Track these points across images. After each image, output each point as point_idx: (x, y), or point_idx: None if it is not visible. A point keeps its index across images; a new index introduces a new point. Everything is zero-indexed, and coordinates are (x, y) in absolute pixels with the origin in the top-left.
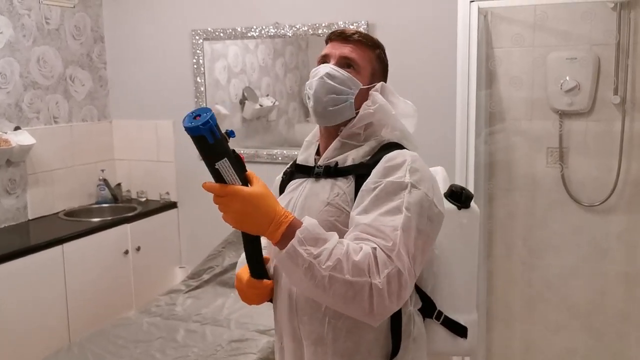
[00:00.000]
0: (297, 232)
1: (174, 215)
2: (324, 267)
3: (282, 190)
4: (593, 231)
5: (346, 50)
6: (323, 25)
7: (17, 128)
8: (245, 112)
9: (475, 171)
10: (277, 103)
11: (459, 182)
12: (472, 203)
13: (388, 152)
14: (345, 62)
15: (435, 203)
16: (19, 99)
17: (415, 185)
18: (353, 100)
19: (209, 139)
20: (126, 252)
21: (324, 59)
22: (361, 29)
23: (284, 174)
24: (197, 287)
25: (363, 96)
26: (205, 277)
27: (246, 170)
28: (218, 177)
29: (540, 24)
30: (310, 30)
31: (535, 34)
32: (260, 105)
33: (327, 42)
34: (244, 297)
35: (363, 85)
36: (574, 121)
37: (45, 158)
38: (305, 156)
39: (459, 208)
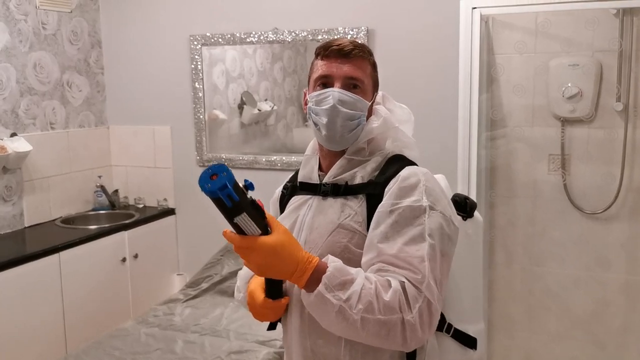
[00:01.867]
0: (324, 278)
1: (171, 222)
2: (355, 310)
3: (282, 204)
4: (595, 239)
5: (348, 69)
6: (323, 30)
7: (13, 134)
8: (244, 116)
9: (477, 178)
10: (275, 107)
11: (461, 189)
12: (475, 212)
13: (395, 167)
14: (351, 83)
15: (452, 220)
16: (15, 105)
17: (433, 207)
18: (365, 121)
19: (226, 203)
20: (124, 260)
21: (326, 81)
22: (361, 35)
23: (284, 188)
24: (195, 297)
25: (368, 111)
26: (204, 285)
27: (265, 218)
28: (237, 229)
29: (542, 30)
30: (309, 36)
31: (537, 40)
32: (259, 110)
33: (319, 57)
34: (256, 315)
35: (369, 102)
36: (576, 128)
37: (42, 164)
38: (307, 171)
39: (464, 218)
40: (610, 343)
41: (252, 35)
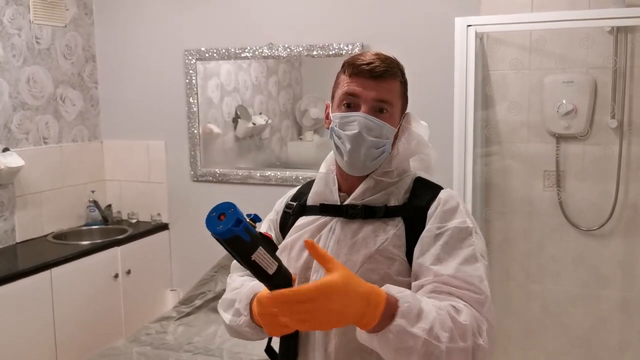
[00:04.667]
0: (403, 310)
1: (165, 237)
2: (443, 340)
3: (283, 225)
4: (591, 256)
5: (377, 91)
6: (318, 46)
7: (5, 149)
8: (238, 130)
9: (472, 195)
10: (270, 121)
11: None
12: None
13: (428, 190)
14: (378, 107)
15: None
16: (8, 119)
17: (475, 230)
18: (390, 148)
19: (244, 238)
20: (116, 276)
21: (352, 100)
22: (356, 51)
23: (288, 207)
24: (188, 314)
25: (395, 134)
26: (197, 302)
27: (277, 249)
28: (256, 269)
29: (536, 48)
30: (304, 52)
31: (531, 57)
32: (253, 124)
33: (347, 73)
34: (270, 325)
35: (395, 129)
36: (571, 145)
37: (34, 179)
38: (324, 191)
39: None
40: None
41: (247, 51)
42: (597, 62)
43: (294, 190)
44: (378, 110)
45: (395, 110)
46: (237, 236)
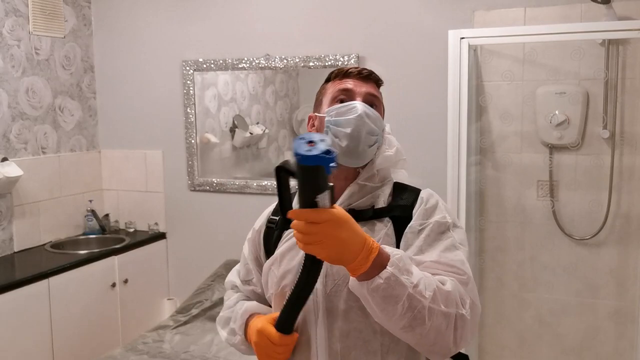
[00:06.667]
0: (394, 260)
1: (162, 246)
2: (426, 296)
3: (267, 240)
4: (584, 265)
5: (367, 89)
6: (314, 57)
7: (4, 159)
8: (236, 140)
9: (466, 204)
10: (267, 131)
11: None
12: None
13: (409, 192)
14: (371, 101)
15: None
16: (7, 129)
17: (455, 224)
18: (381, 142)
19: (327, 171)
20: (113, 285)
21: (346, 95)
22: (352, 62)
23: (270, 222)
24: (185, 323)
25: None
26: (194, 311)
27: (335, 202)
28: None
29: (529, 59)
30: (301, 63)
31: (524, 68)
32: (251, 133)
33: (336, 78)
34: (265, 356)
35: (383, 126)
36: (563, 155)
37: (33, 189)
38: None
39: None
40: None
41: (244, 61)
42: (588, 73)
43: (272, 206)
44: (371, 104)
45: (381, 109)
46: (321, 167)
